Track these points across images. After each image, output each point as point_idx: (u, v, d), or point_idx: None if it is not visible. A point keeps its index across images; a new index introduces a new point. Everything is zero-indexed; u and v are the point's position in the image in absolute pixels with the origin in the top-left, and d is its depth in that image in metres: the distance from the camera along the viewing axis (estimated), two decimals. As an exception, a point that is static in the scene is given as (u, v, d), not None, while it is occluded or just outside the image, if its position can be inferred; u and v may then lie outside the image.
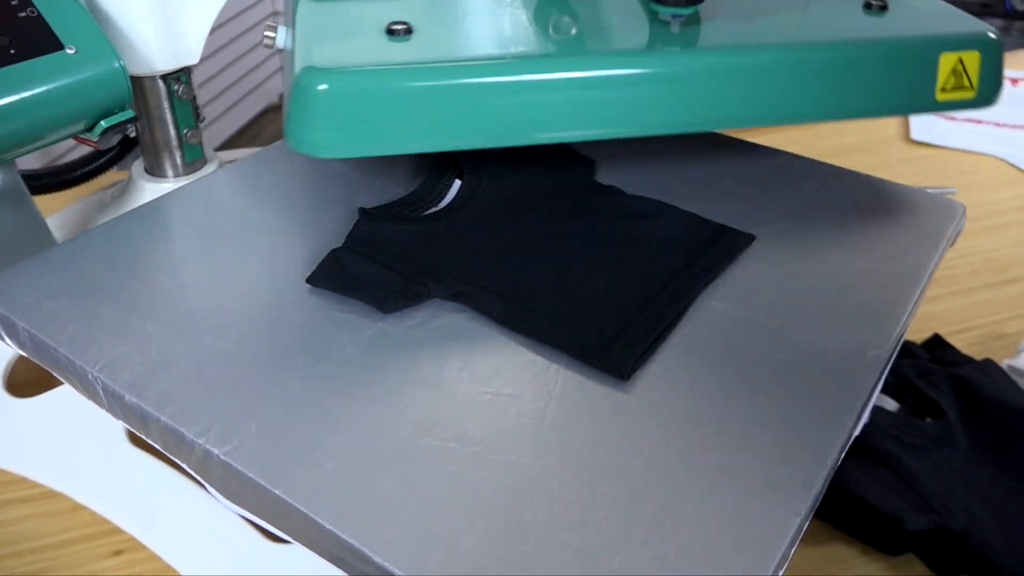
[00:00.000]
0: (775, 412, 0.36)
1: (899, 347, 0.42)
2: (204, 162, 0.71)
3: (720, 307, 0.43)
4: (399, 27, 0.43)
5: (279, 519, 0.34)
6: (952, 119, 1.00)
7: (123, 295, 0.42)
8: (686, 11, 0.44)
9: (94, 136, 0.51)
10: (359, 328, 0.40)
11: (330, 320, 0.41)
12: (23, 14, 0.46)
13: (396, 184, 0.52)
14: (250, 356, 0.39)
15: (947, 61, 0.46)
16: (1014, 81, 1.08)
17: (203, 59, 0.62)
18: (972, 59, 0.46)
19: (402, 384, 0.37)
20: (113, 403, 0.38)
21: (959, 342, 0.66)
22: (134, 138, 0.67)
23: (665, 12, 0.44)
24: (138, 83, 0.63)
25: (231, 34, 1.95)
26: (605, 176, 0.53)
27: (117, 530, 0.50)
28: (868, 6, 0.49)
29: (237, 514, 0.40)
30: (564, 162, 0.53)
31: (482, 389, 0.37)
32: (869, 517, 0.51)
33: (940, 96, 0.47)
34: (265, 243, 0.46)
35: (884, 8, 0.49)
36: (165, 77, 0.63)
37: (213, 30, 0.61)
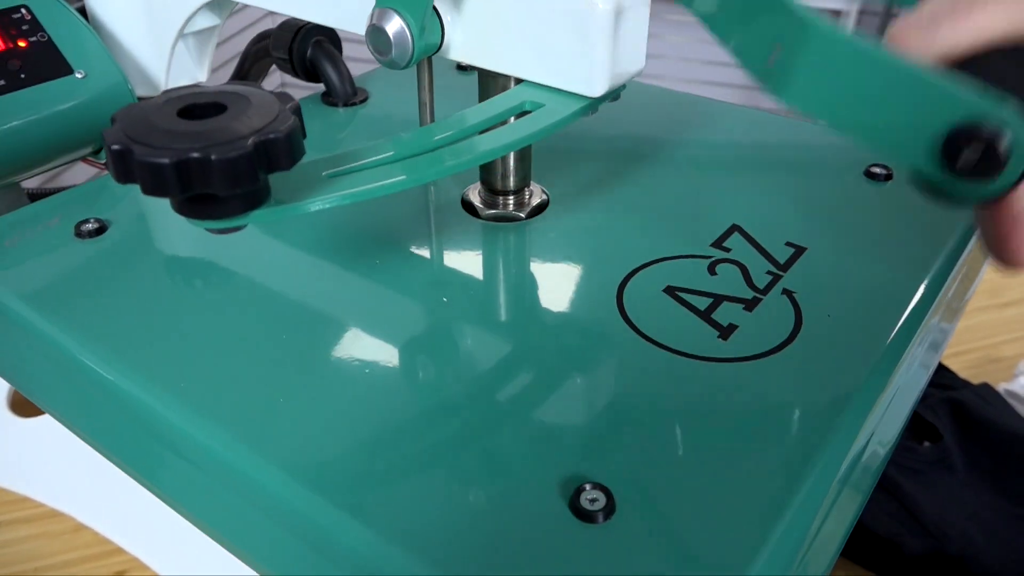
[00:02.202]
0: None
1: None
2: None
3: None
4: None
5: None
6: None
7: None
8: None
9: (101, 159, 0.51)
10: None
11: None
12: (34, 39, 0.47)
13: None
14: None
15: None
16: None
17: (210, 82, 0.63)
18: None
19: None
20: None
21: (955, 365, 0.66)
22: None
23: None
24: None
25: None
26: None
27: (119, 551, 0.50)
28: None
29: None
30: None
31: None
32: (868, 541, 0.51)
33: None
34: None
35: None
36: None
37: (218, 63, 0.62)
